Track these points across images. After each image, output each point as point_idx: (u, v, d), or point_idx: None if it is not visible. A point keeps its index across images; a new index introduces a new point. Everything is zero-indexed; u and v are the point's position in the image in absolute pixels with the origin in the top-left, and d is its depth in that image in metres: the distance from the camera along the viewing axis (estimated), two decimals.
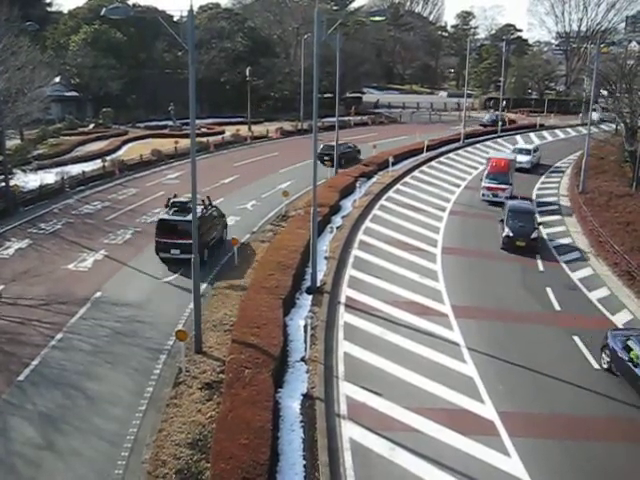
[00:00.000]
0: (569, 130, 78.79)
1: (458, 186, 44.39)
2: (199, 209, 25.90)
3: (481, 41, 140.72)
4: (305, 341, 19.97)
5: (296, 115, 69.90)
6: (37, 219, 33.04)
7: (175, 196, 28.21)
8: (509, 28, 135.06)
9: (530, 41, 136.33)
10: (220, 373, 17.61)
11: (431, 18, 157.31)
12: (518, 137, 70.68)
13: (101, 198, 37.80)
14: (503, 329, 22.44)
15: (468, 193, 41.67)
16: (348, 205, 37.13)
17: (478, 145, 62.94)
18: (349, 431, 16.09)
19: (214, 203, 29.78)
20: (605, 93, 53.37)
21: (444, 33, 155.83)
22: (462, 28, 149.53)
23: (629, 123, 46.06)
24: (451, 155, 56.46)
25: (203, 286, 24.33)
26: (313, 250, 24.79)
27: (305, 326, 20.36)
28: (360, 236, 31.76)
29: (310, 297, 23.89)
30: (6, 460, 14.49)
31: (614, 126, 57.87)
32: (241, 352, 17.69)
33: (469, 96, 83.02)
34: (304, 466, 14.60)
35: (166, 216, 26.87)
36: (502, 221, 31.83)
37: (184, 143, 50.60)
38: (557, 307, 24.46)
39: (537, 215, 33.12)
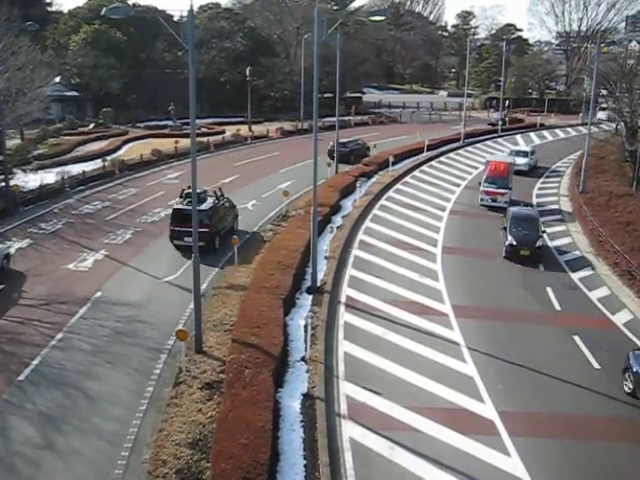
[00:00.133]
0: (569, 130, 78.81)
1: (458, 186, 44.39)
2: (211, 200, 29.01)
3: (481, 41, 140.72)
4: (305, 341, 19.98)
5: (296, 115, 69.90)
6: (37, 219, 33.05)
7: (189, 187, 28.31)
8: (509, 28, 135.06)
9: (530, 41, 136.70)
10: (220, 373, 17.61)
11: (431, 18, 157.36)
12: (518, 137, 70.74)
13: (101, 198, 37.81)
14: (503, 329, 22.44)
15: (468, 193, 41.66)
16: (348, 205, 37.14)
17: (478, 145, 62.95)
18: (349, 431, 16.10)
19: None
20: (605, 93, 53.16)
21: (444, 33, 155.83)
22: (462, 28, 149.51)
23: (629, 123, 46.07)
24: (451, 155, 56.47)
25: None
26: (313, 250, 24.79)
27: (305, 326, 20.37)
28: (360, 236, 31.77)
29: (310, 297, 23.90)
30: (6, 459, 14.50)
31: (614, 126, 57.90)
32: (241, 352, 17.69)
33: (469, 96, 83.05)
34: (304, 466, 14.61)
35: (180, 206, 28.33)
36: (505, 229, 30.44)
37: (184, 143, 50.56)
38: (557, 307, 24.47)
39: (541, 222, 31.56)
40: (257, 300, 21.05)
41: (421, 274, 26.95)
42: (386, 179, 44.06)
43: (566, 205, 40.69)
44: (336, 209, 35.43)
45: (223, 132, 63.83)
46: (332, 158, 46.18)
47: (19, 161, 41.67)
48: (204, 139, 55.62)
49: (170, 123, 65.95)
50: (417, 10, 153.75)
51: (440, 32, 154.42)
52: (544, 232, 30.69)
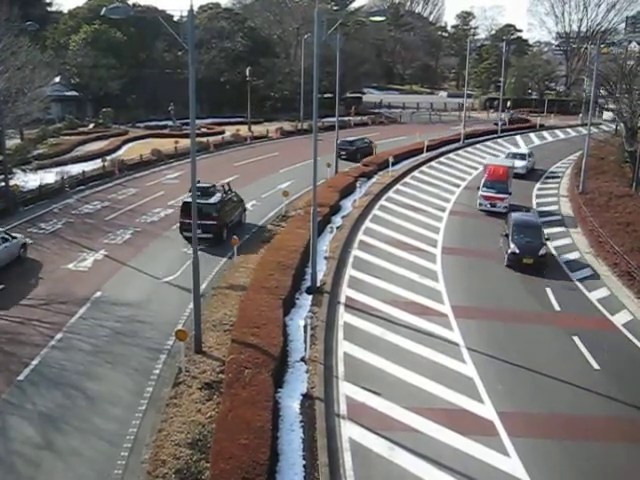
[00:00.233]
0: (569, 130, 78.86)
1: (458, 186, 44.40)
2: (219, 194, 30.35)
3: (481, 41, 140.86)
4: (305, 341, 19.98)
5: (296, 115, 69.92)
6: (37, 219, 33.04)
7: (199, 181, 29.01)
8: (509, 28, 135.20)
9: (530, 41, 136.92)
10: (220, 373, 17.61)
11: (431, 18, 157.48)
12: (518, 137, 70.78)
13: (101, 198, 37.80)
14: (503, 329, 22.45)
15: (468, 193, 41.63)
16: (348, 205, 37.15)
17: (478, 145, 62.98)
18: (349, 431, 16.10)
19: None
20: (605, 93, 53.15)
21: (444, 33, 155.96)
22: (462, 28, 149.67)
23: (629, 123, 46.09)
24: (451, 155, 56.49)
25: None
26: (313, 250, 24.80)
27: (305, 326, 20.37)
28: (360, 236, 31.77)
29: (310, 297, 23.90)
30: (6, 459, 14.50)
31: (614, 126, 57.92)
32: (241, 352, 17.69)
33: (469, 96, 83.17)
34: (304, 466, 14.61)
35: (190, 199, 27.59)
36: (506, 236, 29.26)
37: (184, 143, 50.60)
38: (557, 307, 24.46)
39: (544, 229, 30.40)
40: (257, 300, 21.05)
41: (421, 274, 26.96)
42: (386, 179, 44.07)
43: (566, 206, 40.68)
44: (336, 209, 35.44)
45: (223, 132, 63.84)
46: (340, 156, 47.83)
47: (19, 161, 41.66)
48: (204, 139, 55.62)
49: (170, 123, 65.96)
50: (417, 10, 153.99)
51: (440, 33, 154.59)
52: (547, 239, 29.60)
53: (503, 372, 19.41)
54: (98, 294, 23.62)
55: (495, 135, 69.69)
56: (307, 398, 17.29)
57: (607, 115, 67.08)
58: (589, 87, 61.36)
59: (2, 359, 18.85)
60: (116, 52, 72.17)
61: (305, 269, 25.89)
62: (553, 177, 49.79)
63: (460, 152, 58.48)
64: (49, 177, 39.80)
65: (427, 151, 55.05)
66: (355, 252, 29.37)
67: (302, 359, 19.33)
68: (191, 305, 20.66)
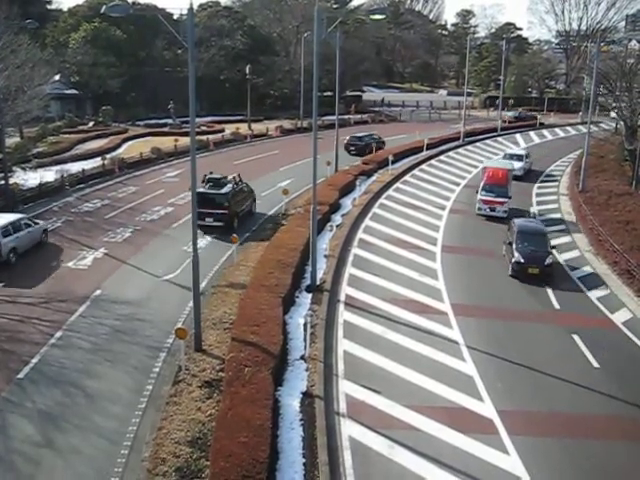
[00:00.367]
0: (569, 129, 78.85)
1: (458, 184, 44.39)
2: (230, 185, 31.93)
3: (481, 39, 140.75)
4: (305, 339, 19.98)
5: (296, 113, 69.91)
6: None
7: (211, 173, 32.94)
8: (509, 27, 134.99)
9: (530, 40, 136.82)
10: (220, 371, 17.62)
11: (431, 16, 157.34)
12: (518, 135, 70.76)
13: (101, 196, 37.80)
14: (502, 327, 22.45)
15: (468, 192, 41.60)
16: (348, 203, 37.15)
17: (478, 144, 62.95)
18: (349, 429, 16.10)
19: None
20: (605, 92, 53.10)
21: (444, 31, 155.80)
22: (462, 26, 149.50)
23: (629, 122, 46.09)
24: (451, 154, 56.47)
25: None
26: (313, 248, 24.79)
27: (305, 324, 20.37)
28: (360, 234, 31.77)
29: (310, 295, 23.89)
30: (5, 457, 14.51)
31: (614, 125, 57.94)
32: (241, 350, 17.69)
33: (469, 95, 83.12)
34: (304, 464, 14.62)
35: (202, 190, 30.61)
36: (510, 244, 27.89)
37: (184, 141, 50.57)
38: (556, 306, 24.46)
39: (549, 236, 29.01)
40: (256, 298, 21.04)
41: (421, 273, 26.96)
42: (386, 178, 44.05)
43: (566, 204, 40.66)
44: (336, 208, 35.43)
45: (223, 130, 63.85)
46: (349, 152, 51.38)
47: (19, 159, 41.57)
48: (204, 137, 55.60)
49: (170, 121, 66.02)
50: (417, 9, 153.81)
51: (440, 31, 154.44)
52: (554, 247, 28.13)
53: (503, 370, 19.41)
54: (98, 292, 23.62)
55: (495, 133, 69.67)
56: (307, 396, 17.29)
57: (614, 114, 67.07)
58: (589, 85, 61.30)
59: (2, 357, 18.86)
60: (116, 50, 72.18)
61: (305, 267, 25.89)
62: (552, 178, 49.50)
63: (460, 150, 58.47)
64: (49, 175, 39.81)
65: (427, 149, 55.04)
66: (355, 250, 29.37)
67: (302, 357, 19.33)
68: (191, 303, 20.66)
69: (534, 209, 38.83)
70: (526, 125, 78.96)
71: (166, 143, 52.07)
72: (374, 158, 48.52)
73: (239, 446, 13.65)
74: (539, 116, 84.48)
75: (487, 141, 65.14)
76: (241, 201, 32.75)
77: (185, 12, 17.55)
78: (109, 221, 32.79)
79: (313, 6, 29.59)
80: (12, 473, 14.05)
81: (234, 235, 27.51)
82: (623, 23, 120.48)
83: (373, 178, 44.18)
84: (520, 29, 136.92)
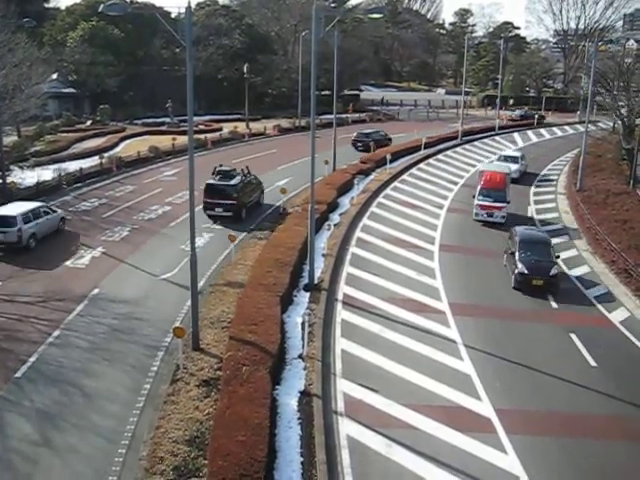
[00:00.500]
0: (567, 128, 78.90)
1: (456, 184, 44.40)
2: (239, 177, 33.54)
3: (479, 39, 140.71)
4: (303, 338, 19.98)
5: (294, 112, 69.83)
6: None
7: (221, 165, 34.79)
8: (507, 26, 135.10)
9: (528, 39, 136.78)
10: (218, 370, 17.61)
11: (429, 15, 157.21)
12: (516, 134, 70.77)
13: (98, 195, 37.75)
14: (500, 326, 22.47)
15: (466, 191, 41.60)
16: (346, 202, 37.14)
17: (476, 143, 62.95)
18: (346, 428, 16.11)
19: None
20: (603, 91, 53.10)
21: (442, 30, 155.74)
22: (460, 26, 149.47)
23: (626, 121, 46.13)
24: (449, 152, 56.48)
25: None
26: (311, 247, 24.80)
27: (303, 323, 20.37)
28: (358, 233, 31.78)
29: (308, 294, 23.90)
30: (3, 457, 14.50)
31: (611, 124, 57.97)
32: (239, 349, 17.69)
33: (467, 94, 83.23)
34: (301, 463, 14.62)
35: (212, 181, 32.90)
36: (512, 254, 26.48)
37: (181, 140, 50.47)
38: (554, 305, 24.48)
39: (553, 245, 27.72)
40: (254, 297, 21.04)
41: (418, 272, 26.97)
42: (384, 177, 44.06)
43: (563, 203, 40.68)
44: (334, 207, 35.43)
45: (220, 129, 63.75)
46: (356, 148, 53.99)
47: (16, 158, 41.50)
48: (201, 136, 55.52)
49: (167, 120, 65.93)
50: (415, 8, 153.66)
51: (438, 30, 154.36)
52: (558, 257, 26.81)
53: (501, 369, 19.43)
54: (96, 291, 23.61)
55: (493, 132, 69.66)
56: (305, 395, 17.30)
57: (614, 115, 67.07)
58: (587, 85, 61.32)
59: (0, 356, 18.87)
60: (113, 49, 72.06)
61: (303, 266, 25.88)
62: (549, 178, 49.45)
63: (458, 149, 58.49)
64: (46, 174, 39.67)
65: (425, 148, 55.05)
66: (353, 249, 29.37)
67: (300, 356, 19.34)
68: (189, 302, 20.62)
69: (531, 208, 38.84)
70: (524, 124, 79.09)
71: (164, 142, 51.97)
72: (372, 157, 48.52)
73: (237, 445, 13.65)
74: (544, 114, 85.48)
75: (485, 140, 65.14)
76: (249, 192, 34.26)
77: (183, 11, 17.53)
78: (107, 220, 32.75)
79: (311, 5, 29.60)
80: (10, 472, 14.04)
81: (232, 234, 27.49)
82: (621, 22, 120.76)
83: (371, 177, 44.16)
84: (518, 28, 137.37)
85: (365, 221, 34.02)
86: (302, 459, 14.75)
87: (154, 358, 18.93)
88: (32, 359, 18.65)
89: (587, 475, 14.99)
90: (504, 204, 34.47)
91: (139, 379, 17.80)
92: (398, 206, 37.41)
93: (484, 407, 17.34)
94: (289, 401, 16.94)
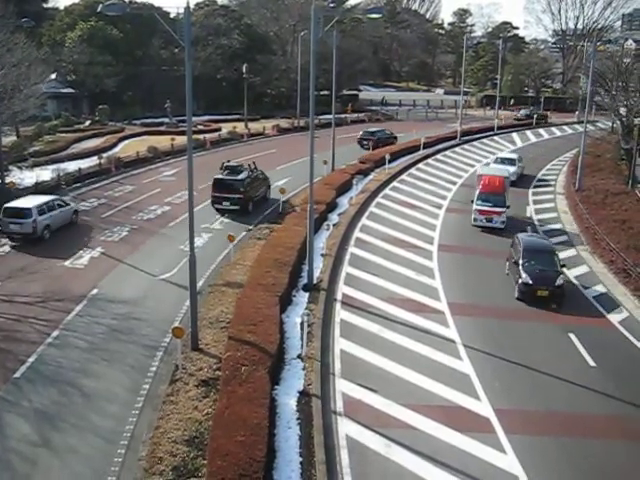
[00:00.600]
0: (565, 128, 78.93)
1: (455, 183, 44.40)
2: (246, 172, 34.67)
3: (478, 39, 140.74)
4: (301, 338, 19.98)
5: (293, 112, 69.87)
6: None
7: (229, 161, 36.58)
8: (506, 26, 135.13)
9: (527, 39, 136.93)
10: (217, 370, 17.61)
11: (428, 15, 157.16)
12: (514, 134, 70.78)
13: (97, 195, 37.73)
14: (499, 326, 22.47)
15: (465, 190, 41.62)
16: (345, 202, 37.15)
17: (475, 142, 62.97)
18: (345, 428, 16.11)
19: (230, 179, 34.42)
20: (601, 91, 53.11)
21: (441, 31, 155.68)
22: (459, 26, 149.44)
23: (625, 121, 46.15)
24: (447, 152, 56.47)
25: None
26: (310, 247, 24.81)
27: (302, 323, 20.39)
28: (357, 233, 31.78)
29: (307, 294, 23.90)
30: (2, 457, 14.48)
31: (610, 124, 58.00)
32: (238, 349, 17.69)
33: (466, 94, 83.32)
34: (300, 463, 14.63)
35: (220, 176, 34.33)
36: (515, 263, 25.32)
37: (180, 140, 50.49)
38: (553, 305, 24.45)
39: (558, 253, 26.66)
40: (253, 297, 21.04)
41: (417, 272, 26.97)
42: (382, 177, 44.06)
43: (562, 203, 40.69)
44: (332, 207, 35.44)
45: (219, 129, 63.71)
46: (362, 146, 55.70)
47: (15, 158, 41.48)
48: (200, 136, 55.47)
49: (166, 120, 65.86)
50: (414, 8, 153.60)
51: (436, 30, 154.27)
52: (563, 266, 25.54)
53: (500, 369, 19.44)
54: (95, 291, 23.60)
55: (491, 132, 69.67)
56: (304, 395, 17.30)
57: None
58: (585, 85, 61.36)
59: None
60: (112, 49, 72.00)
61: (302, 266, 25.88)
62: (548, 178, 49.42)
63: (457, 149, 58.49)
64: (45, 174, 39.66)
65: (423, 148, 55.04)
66: (352, 249, 29.37)
67: (299, 356, 19.34)
68: (188, 302, 20.62)
69: (530, 208, 38.84)
70: (522, 124, 79.15)
71: (163, 142, 51.95)
72: (371, 157, 48.52)
73: (236, 445, 13.65)
74: (547, 114, 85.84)
75: (484, 140, 65.15)
76: (256, 187, 35.46)
77: (182, 11, 17.55)
78: (106, 220, 32.74)
79: (310, 5, 29.58)
80: (9, 472, 14.03)
81: (230, 234, 27.49)
82: (619, 22, 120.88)
83: (370, 177, 44.17)
84: (517, 28, 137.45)
85: (364, 221, 34.03)
86: (301, 459, 14.76)
87: (153, 358, 18.93)
88: (31, 359, 18.65)
89: (586, 475, 15.00)
90: (503, 209, 33.26)
91: (138, 379, 17.79)
92: (397, 206, 37.41)
93: (483, 407, 17.34)
94: (288, 401, 16.94)
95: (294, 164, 45.71)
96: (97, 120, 65.71)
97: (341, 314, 22.60)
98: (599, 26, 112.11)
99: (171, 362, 18.44)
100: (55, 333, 20.28)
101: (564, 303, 24.12)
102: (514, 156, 47.70)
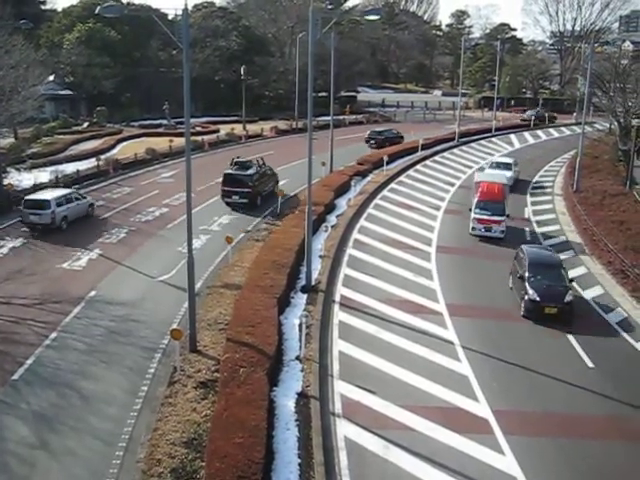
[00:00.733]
0: (563, 129, 79.03)
1: (453, 185, 44.44)
2: (254, 168, 36.47)
3: (475, 40, 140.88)
4: (300, 340, 19.95)
5: (291, 114, 69.93)
6: None
7: (238, 157, 38.10)
8: (503, 27, 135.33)
9: (524, 40, 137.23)
10: (215, 372, 17.62)
11: (426, 17, 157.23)
12: (512, 136, 70.83)
13: (95, 197, 37.56)
14: (497, 327, 22.48)
15: (463, 192, 41.66)
16: (343, 204, 37.16)
17: (473, 144, 63.03)
18: (344, 429, 16.10)
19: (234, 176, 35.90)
20: (599, 92, 53.21)
21: (439, 32, 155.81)
22: (457, 27, 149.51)
23: (623, 122, 46.23)
24: (445, 154, 56.52)
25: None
26: (308, 249, 24.80)
27: (300, 325, 20.33)
28: (355, 235, 31.79)
29: (305, 296, 23.89)
30: (0, 459, 14.44)
31: (607, 125, 58.08)
32: (236, 351, 17.68)
33: (463, 95, 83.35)
34: (299, 465, 14.61)
35: (230, 171, 36.06)
36: (521, 278, 23.76)
37: (178, 142, 50.42)
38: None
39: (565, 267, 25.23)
40: (252, 299, 21.04)
41: (415, 273, 26.98)
42: (380, 178, 44.10)
43: (560, 205, 40.72)
44: (331, 208, 35.45)
45: (217, 131, 63.75)
46: (370, 146, 57.42)
47: (13, 160, 41.51)
48: (198, 138, 55.52)
49: (164, 122, 65.88)
50: (411, 9, 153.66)
51: (434, 31, 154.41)
52: (572, 280, 24.28)
53: (498, 370, 19.44)
54: (93, 293, 23.58)
55: (489, 134, 69.73)
56: (302, 397, 17.29)
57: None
58: (583, 86, 61.45)
59: None
60: (110, 51, 72.04)
61: (300, 268, 25.89)
62: (546, 179, 49.47)
63: (455, 151, 58.54)
64: (43, 176, 39.69)
65: (422, 150, 55.11)
66: (350, 251, 29.38)
67: (297, 358, 19.33)
68: (186, 304, 20.60)
69: (528, 209, 38.88)
70: (520, 126, 79.24)
71: (161, 144, 51.96)
72: (369, 158, 48.55)
73: (234, 447, 13.64)
74: (555, 115, 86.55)
75: (482, 141, 65.21)
76: (264, 182, 37.07)
77: (180, 13, 17.59)
78: (104, 222, 32.74)
79: (308, 7, 29.63)
80: (6, 475, 14.01)
81: (228, 236, 27.48)
82: (617, 24, 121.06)
83: (368, 178, 44.19)
84: (514, 30, 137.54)
85: (362, 222, 34.04)
86: (300, 461, 14.74)
87: (151, 360, 18.91)
88: (29, 361, 18.62)
89: (584, 476, 15.00)
90: (503, 217, 31.72)
91: (136, 381, 17.78)
92: (395, 207, 37.43)
93: (481, 408, 17.34)
94: (286, 403, 16.93)
95: (292, 165, 45.72)
96: (95, 122, 65.72)
97: (339, 316, 22.61)
98: (597, 28, 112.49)
99: (169, 364, 18.42)
100: (53, 335, 20.26)
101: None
102: (510, 160, 46.10)
